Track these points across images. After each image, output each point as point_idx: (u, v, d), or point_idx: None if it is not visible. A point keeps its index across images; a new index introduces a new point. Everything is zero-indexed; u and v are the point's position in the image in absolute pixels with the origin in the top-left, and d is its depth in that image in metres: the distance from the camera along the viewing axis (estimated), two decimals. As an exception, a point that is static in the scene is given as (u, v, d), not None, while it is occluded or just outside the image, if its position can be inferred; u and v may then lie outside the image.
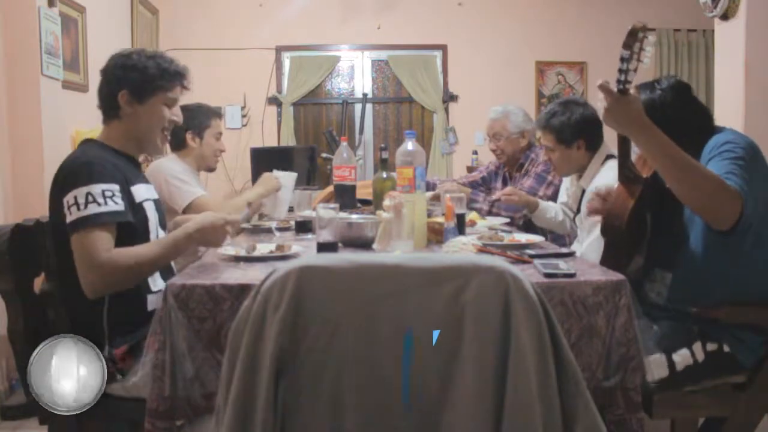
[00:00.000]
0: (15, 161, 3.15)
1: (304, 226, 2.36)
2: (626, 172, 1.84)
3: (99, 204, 1.69)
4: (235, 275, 1.60)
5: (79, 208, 1.68)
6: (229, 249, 1.87)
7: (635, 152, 1.91)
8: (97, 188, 1.71)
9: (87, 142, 1.93)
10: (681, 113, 1.84)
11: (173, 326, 1.46)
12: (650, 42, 1.66)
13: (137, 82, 1.87)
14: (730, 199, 1.62)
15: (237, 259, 1.80)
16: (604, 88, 1.68)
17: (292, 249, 1.87)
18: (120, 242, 1.73)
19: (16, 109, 3.15)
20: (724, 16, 3.32)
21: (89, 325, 1.77)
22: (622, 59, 1.65)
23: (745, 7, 3.21)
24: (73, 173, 1.75)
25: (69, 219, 1.70)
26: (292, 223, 2.49)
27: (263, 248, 1.89)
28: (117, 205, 1.73)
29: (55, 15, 3.38)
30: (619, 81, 1.66)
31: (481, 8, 6.02)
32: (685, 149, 1.81)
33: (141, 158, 2.11)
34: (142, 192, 1.88)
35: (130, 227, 1.78)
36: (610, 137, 2.68)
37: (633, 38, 1.64)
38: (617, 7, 6.03)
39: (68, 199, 1.71)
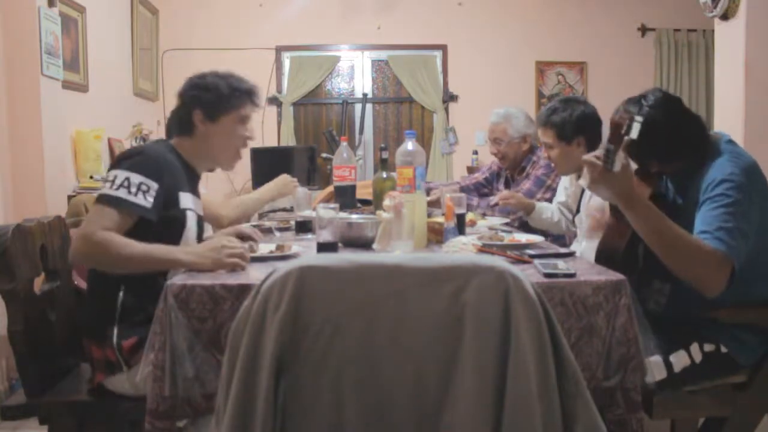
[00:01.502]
0: (15, 161, 3.15)
1: (304, 226, 2.36)
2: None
3: (130, 192, 1.73)
4: (235, 275, 1.60)
5: (112, 186, 1.74)
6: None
7: None
8: (136, 178, 1.75)
9: (160, 141, 2.02)
10: (672, 130, 1.78)
11: (173, 326, 1.46)
12: (637, 120, 1.58)
13: (210, 102, 1.94)
14: (718, 269, 1.61)
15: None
16: (588, 162, 1.63)
17: (292, 249, 1.87)
18: (142, 238, 1.72)
19: (16, 109, 3.15)
20: (724, 16, 3.32)
21: (101, 313, 1.78)
22: (608, 150, 1.59)
23: (745, 7, 3.21)
24: (127, 157, 1.82)
25: (100, 191, 1.76)
26: (292, 223, 2.49)
27: (263, 248, 1.89)
28: (146, 201, 1.75)
29: (55, 15, 3.38)
30: (605, 162, 1.60)
31: (481, 8, 6.02)
32: (681, 164, 1.81)
33: None
34: (188, 201, 1.90)
35: (154, 226, 1.77)
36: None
37: (616, 132, 1.57)
38: (617, 7, 6.03)
39: (109, 174, 1.78)
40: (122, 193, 1.72)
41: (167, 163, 1.85)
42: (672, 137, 1.78)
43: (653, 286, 1.88)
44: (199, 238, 1.98)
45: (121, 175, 1.75)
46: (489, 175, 3.42)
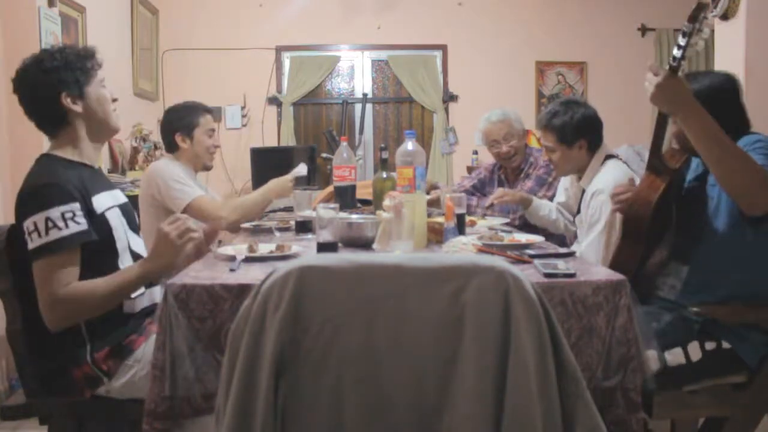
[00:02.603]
0: (15, 161, 3.15)
1: (304, 226, 2.36)
2: (656, 163, 1.83)
3: (60, 228, 1.64)
4: (235, 275, 1.60)
5: (40, 235, 1.63)
6: (228, 249, 1.87)
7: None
8: (55, 212, 1.65)
9: (42, 158, 1.84)
10: (727, 107, 1.85)
11: (173, 326, 1.46)
12: (709, 22, 1.65)
13: (71, 79, 1.80)
14: (766, 185, 1.64)
15: (237, 259, 1.80)
16: (652, 65, 1.68)
17: (292, 249, 1.87)
18: (85, 259, 1.70)
19: (16, 109, 3.14)
20: (724, 16, 3.32)
21: (69, 339, 1.74)
22: (684, 33, 1.63)
23: (745, 7, 3.21)
24: (31, 197, 1.69)
25: (30, 246, 1.65)
26: (292, 223, 2.49)
27: (263, 248, 1.89)
28: (79, 225, 1.67)
29: (55, 15, 3.38)
30: (674, 58, 1.64)
31: (481, 8, 6.02)
32: None
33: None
34: (104, 201, 1.82)
35: (94, 243, 1.72)
36: (609, 138, 2.68)
37: (699, 11, 1.62)
38: (617, 7, 6.03)
39: (28, 225, 1.65)
40: (54, 235, 1.63)
41: (65, 180, 1.72)
42: (724, 115, 1.80)
43: (669, 268, 1.89)
44: (132, 226, 1.93)
45: (39, 219, 1.64)
46: (477, 182, 3.38)
